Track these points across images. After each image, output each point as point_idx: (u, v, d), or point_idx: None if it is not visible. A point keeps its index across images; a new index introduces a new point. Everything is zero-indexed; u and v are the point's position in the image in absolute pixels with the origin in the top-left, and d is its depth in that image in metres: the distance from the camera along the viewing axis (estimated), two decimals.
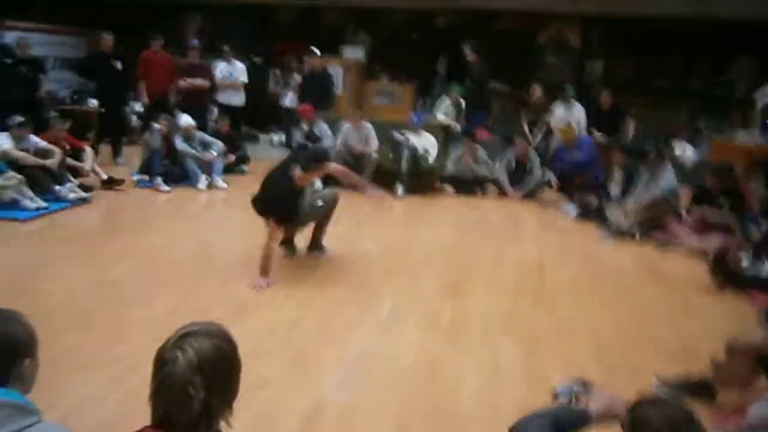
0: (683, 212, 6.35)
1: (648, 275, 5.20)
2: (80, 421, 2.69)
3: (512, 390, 3.18)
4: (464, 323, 3.99)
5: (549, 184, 7.71)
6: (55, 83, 11.53)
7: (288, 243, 5.09)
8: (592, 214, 6.78)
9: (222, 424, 1.51)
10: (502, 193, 7.90)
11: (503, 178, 7.90)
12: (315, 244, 5.14)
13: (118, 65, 8.48)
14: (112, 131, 8.74)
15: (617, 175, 6.87)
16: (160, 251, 5.21)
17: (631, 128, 8.85)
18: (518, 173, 7.91)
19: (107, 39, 8.44)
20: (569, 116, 8.87)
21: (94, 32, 8.75)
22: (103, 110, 8.71)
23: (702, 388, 3.13)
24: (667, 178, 6.19)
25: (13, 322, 1.61)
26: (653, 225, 6.14)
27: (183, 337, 1.49)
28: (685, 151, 9.10)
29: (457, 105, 9.19)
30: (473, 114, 8.85)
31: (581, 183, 7.43)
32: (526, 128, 9.23)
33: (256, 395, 3.00)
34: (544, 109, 9.25)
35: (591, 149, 7.67)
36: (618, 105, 9.08)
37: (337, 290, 4.49)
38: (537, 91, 9.31)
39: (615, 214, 6.43)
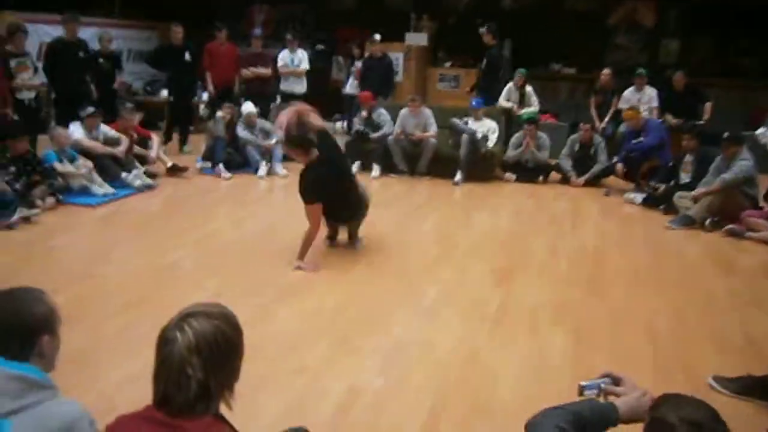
0: (761, 201, 5.94)
1: (715, 266, 4.90)
2: (121, 398, 2.77)
3: (555, 383, 3.05)
4: (511, 313, 3.88)
5: (614, 170, 7.37)
6: (129, 75, 12.03)
7: (331, 237, 5.07)
8: (659, 201, 6.45)
9: (221, 405, 1.50)
10: (565, 179, 7.64)
11: (566, 164, 7.63)
12: (352, 238, 5.09)
13: (187, 56, 8.70)
14: (180, 121, 9.00)
15: (688, 160, 6.50)
16: (216, 237, 5.34)
17: (708, 111, 8.37)
18: (582, 159, 7.62)
19: (176, 31, 8.68)
20: (639, 99, 8.49)
21: (165, 24, 8.99)
22: (171, 100, 8.95)
23: (765, 388, 2.92)
24: (742, 164, 5.78)
25: (32, 300, 1.65)
26: (725, 213, 5.78)
27: (184, 317, 1.49)
28: (766, 134, 8.49)
29: (520, 88, 8.93)
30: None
31: (649, 168, 7.09)
32: (593, 112, 8.91)
33: (293, 380, 3.02)
34: (613, 92, 8.89)
35: (660, 133, 7.27)
36: (694, 86, 8.59)
37: (385, 277, 4.46)
38: (605, 74, 8.95)
39: (684, 201, 6.10)
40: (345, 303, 3.96)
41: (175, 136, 8.91)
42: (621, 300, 4.14)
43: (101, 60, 8.33)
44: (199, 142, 8.47)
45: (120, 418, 1.51)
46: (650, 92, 8.61)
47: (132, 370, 3.04)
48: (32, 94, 7.02)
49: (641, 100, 8.51)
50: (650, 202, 6.55)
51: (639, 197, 6.74)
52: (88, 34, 9.17)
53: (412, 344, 3.44)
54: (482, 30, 8.81)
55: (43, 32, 9.88)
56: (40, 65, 7.51)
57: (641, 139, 7.24)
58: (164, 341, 1.46)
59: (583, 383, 1.86)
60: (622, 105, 8.51)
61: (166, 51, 9.00)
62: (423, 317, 3.81)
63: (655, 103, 8.52)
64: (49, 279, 4.22)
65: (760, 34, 9.95)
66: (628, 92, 8.67)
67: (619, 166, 7.31)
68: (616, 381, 1.86)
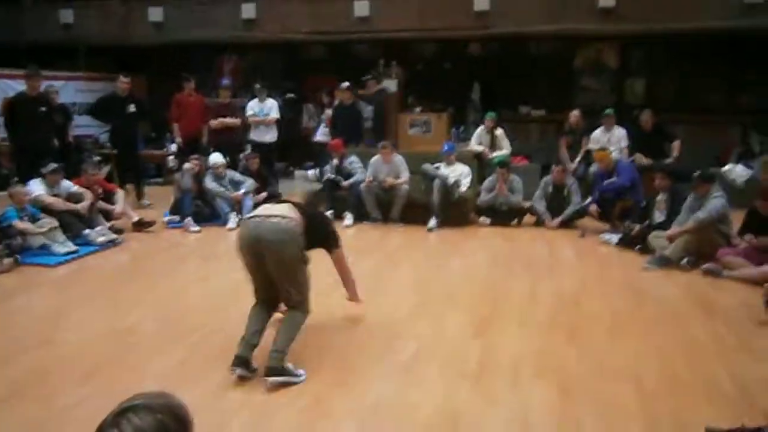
0: (735, 238, 5.91)
1: (697, 308, 4.80)
2: None
3: None
4: (492, 366, 3.71)
5: (588, 211, 7.34)
6: (96, 128, 11.86)
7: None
8: (635, 241, 6.40)
9: None
10: (540, 222, 7.58)
11: (540, 206, 7.58)
12: None
13: (131, 108, 8.49)
14: (131, 173, 8.74)
15: (661, 199, 6.49)
16: (179, 296, 5.11)
17: (677, 148, 8.45)
18: (556, 200, 7.59)
19: (123, 81, 8.50)
20: (608, 140, 8.56)
21: (132, 76, 8.86)
22: (116, 152, 8.71)
23: None
24: (715, 201, 5.77)
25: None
26: (701, 252, 5.73)
27: (123, 412, 1.31)
28: (736, 171, 8.59)
29: (491, 131, 8.96)
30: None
31: (622, 209, 7.06)
32: (564, 153, 8.96)
33: None
34: (582, 133, 8.96)
35: (631, 173, 7.29)
36: (662, 125, 8.70)
37: (359, 332, 4.28)
38: (574, 116, 9.04)
39: (659, 241, 6.05)
40: (317, 362, 3.75)
41: (132, 190, 8.65)
42: (603, 348, 4.00)
43: (54, 115, 8.16)
44: (166, 195, 8.28)
45: None
46: (619, 132, 8.69)
47: None
48: None
49: (610, 140, 8.58)
50: (625, 243, 6.50)
51: (614, 238, 6.68)
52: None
53: (390, 406, 3.24)
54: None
55: (7, 87, 9.73)
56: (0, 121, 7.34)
57: (613, 179, 7.24)
58: None
59: None
60: (592, 145, 8.58)
61: (109, 102, 8.75)
62: (401, 375, 3.61)
63: (624, 143, 8.60)
64: (3, 346, 3.99)
65: (722, 71, 10.19)
66: (598, 132, 8.75)
67: (593, 207, 7.28)
68: None
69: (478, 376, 3.58)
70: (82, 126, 10.85)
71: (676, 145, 8.46)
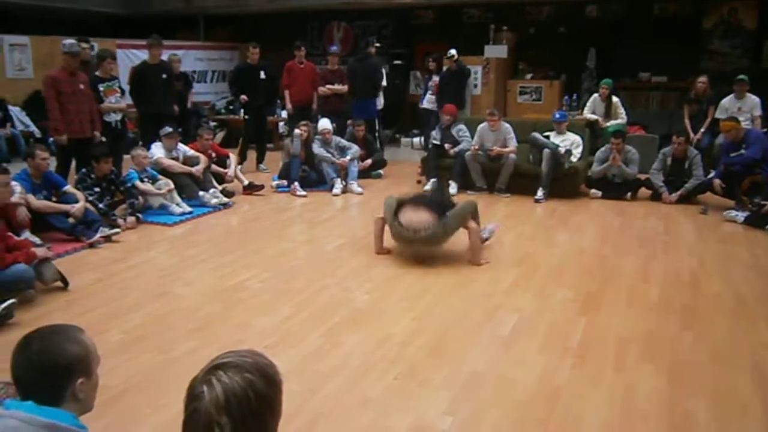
0: None
1: None
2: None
3: (646, 429, 2.73)
4: (597, 345, 3.54)
5: (711, 185, 6.80)
6: (213, 95, 12.42)
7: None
8: (765, 220, 5.87)
9: None
10: (656, 196, 7.12)
11: (657, 180, 7.11)
12: None
13: (262, 75, 8.81)
14: (256, 139, 9.10)
15: None
16: (287, 257, 5.27)
17: None
18: (675, 174, 7.08)
19: (253, 51, 8.82)
20: (739, 108, 7.86)
21: (246, 45, 9.15)
22: (247, 118, 9.06)
23: None
24: None
25: (66, 340, 1.54)
26: None
27: (213, 369, 1.32)
28: None
29: (606, 99, 8.49)
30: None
31: (751, 184, 6.48)
32: (687, 123, 8.35)
33: (354, 415, 2.85)
34: (709, 101, 8.28)
35: (763, 144, 6.63)
36: None
37: (460, 302, 4.22)
38: (701, 82, 8.37)
39: None
40: (415, 331, 3.75)
41: (252, 154, 9.00)
42: (723, 334, 3.71)
43: (176, 82, 8.57)
44: (276, 160, 8.54)
45: None
46: (752, 100, 7.95)
47: None
48: (119, 117, 7.26)
49: (742, 108, 7.88)
50: (754, 221, 5.98)
51: (741, 216, 6.16)
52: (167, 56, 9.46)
53: (487, 379, 3.18)
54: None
55: (135, 57, 10.36)
56: (127, 88, 7.81)
57: (742, 151, 6.64)
58: (191, 396, 1.29)
59: None
60: (720, 114, 7.91)
61: (243, 70, 9.14)
62: (500, 349, 3.53)
63: (758, 112, 7.87)
64: (127, 297, 4.31)
65: None
66: (727, 100, 8.05)
67: (717, 182, 6.73)
68: None
69: (581, 354, 3.43)
70: (201, 93, 11.38)
71: None
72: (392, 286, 4.48)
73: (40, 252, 4.26)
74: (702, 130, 8.20)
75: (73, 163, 6.60)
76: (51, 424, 1.43)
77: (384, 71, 9.71)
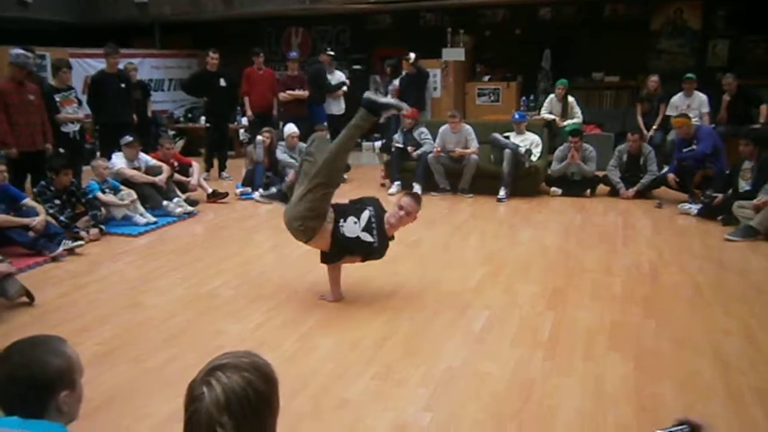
0: None
1: None
2: None
3: (618, 415, 2.85)
4: (566, 337, 3.66)
5: (666, 180, 7.05)
6: (171, 103, 12.27)
7: None
8: (717, 211, 6.13)
9: None
10: (614, 192, 7.35)
11: (614, 176, 7.34)
12: None
13: (222, 82, 8.76)
14: (219, 146, 9.05)
15: (747, 167, 6.16)
16: (255, 264, 5.27)
17: (764, 114, 8.00)
18: (631, 170, 7.32)
19: (212, 57, 8.75)
20: (689, 105, 8.17)
21: (205, 52, 9.08)
22: (209, 126, 9.00)
23: None
24: None
25: (48, 352, 1.53)
26: None
27: (211, 370, 1.35)
28: None
29: (562, 99, 8.72)
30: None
31: (702, 177, 6.76)
32: (640, 121, 8.64)
33: (334, 416, 2.88)
34: (660, 99, 8.59)
35: (712, 140, 6.92)
36: (746, 89, 8.23)
37: (429, 302, 4.29)
38: (653, 81, 8.67)
39: (744, 211, 5.76)
40: (388, 331, 3.80)
41: (214, 162, 8.94)
42: (683, 321, 3.87)
43: (134, 91, 8.47)
44: (238, 168, 8.50)
45: None
46: (700, 97, 8.28)
47: (174, 407, 2.95)
48: (76, 127, 7.13)
49: (691, 105, 8.20)
50: (707, 213, 6.24)
51: (694, 208, 6.42)
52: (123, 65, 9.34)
53: (462, 375, 3.26)
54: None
55: (88, 66, 10.17)
56: (83, 98, 7.68)
57: (693, 147, 6.92)
58: (191, 398, 1.33)
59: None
60: (671, 111, 8.21)
61: (202, 77, 9.07)
62: (472, 345, 3.62)
63: (706, 109, 8.21)
64: (96, 310, 4.25)
65: None
66: (677, 98, 8.37)
67: (671, 176, 6.99)
68: (696, 429, 1.65)
69: (551, 347, 3.54)
70: (158, 102, 11.21)
71: (763, 109, 8.01)
72: (361, 289, 4.51)
73: (3, 267, 4.17)
74: (654, 127, 8.49)
75: (29, 177, 6.46)
76: None
77: (343, 76, 9.78)
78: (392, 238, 4.25)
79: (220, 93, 8.79)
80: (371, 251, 4.11)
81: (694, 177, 6.83)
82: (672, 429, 1.60)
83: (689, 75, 8.38)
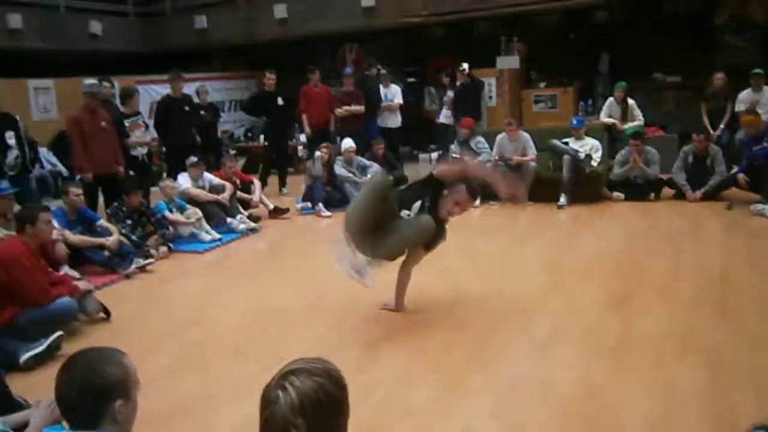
0: None
1: None
2: None
3: (690, 420, 2.76)
4: (633, 344, 3.57)
5: (736, 180, 6.79)
6: (231, 123, 12.65)
7: None
8: None
9: None
10: (680, 195, 7.12)
11: (680, 178, 7.11)
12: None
13: (280, 101, 8.99)
14: (277, 164, 9.25)
15: None
16: (319, 277, 5.33)
17: None
18: (698, 171, 7.08)
19: (269, 77, 9.01)
20: (758, 101, 7.85)
21: (262, 73, 9.36)
22: (266, 144, 9.22)
23: None
24: None
25: (105, 362, 1.60)
26: None
27: (285, 375, 1.41)
28: None
29: (621, 102, 8.53)
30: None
31: None
32: (705, 120, 8.34)
33: (401, 424, 2.90)
34: (727, 97, 8.28)
35: None
36: None
37: (493, 310, 4.26)
38: (719, 78, 8.38)
39: None
40: (452, 340, 3.80)
41: (274, 179, 9.14)
42: (759, 326, 3.72)
43: (202, 112, 8.78)
44: (298, 184, 8.67)
45: None
46: None
47: (242, 419, 3.04)
48: (144, 150, 7.45)
49: (760, 101, 7.87)
50: None
51: (767, 210, 6.15)
52: (192, 89, 9.74)
53: (527, 382, 3.23)
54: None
55: (153, 92, 10.64)
56: (150, 122, 8.02)
57: (764, 144, 6.64)
58: (266, 401, 1.38)
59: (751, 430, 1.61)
60: (739, 108, 7.91)
61: (260, 98, 9.34)
62: (536, 352, 3.58)
63: None
64: (166, 325, 4.41)
65: None
66: (745, 94, 8.06)
67: (741, 176, 6.72)
68: None
69: (617, 352, 3.47)
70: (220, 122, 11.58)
71: None
72: (423, 299, 4.51)
73: (82, 285, 4.39)
74: (722, 126, 8.20)
75: (101, 199, 6.78)
76: None
77: (399, 90, 9.87)
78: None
79: (278, 112, 9.02)
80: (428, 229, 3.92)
81: (766, 176, 6.54)
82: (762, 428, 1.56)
83: (757, 70, 8.06)
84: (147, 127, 7.67)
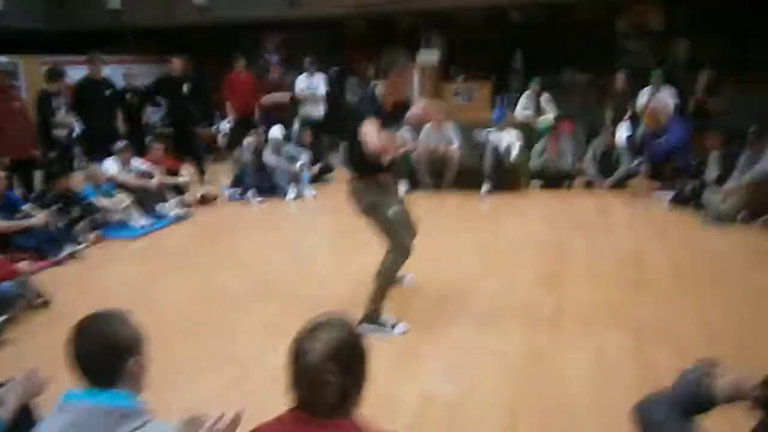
0: None
1: (756, 259, 4.97)
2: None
3: (621, 378, 3.13)
4: (566, 314, 3.95)
5: (639, 171, 7.46)
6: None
7: None
8: (688, 199, 6.52)
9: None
10: (590, 184, 7.72)
11: (591, 169, 7.71)
12: None
13: (185, 88, 8.63)
14: (188, 151, 8.82)
15: (714, 157, 6.57)
16: (258, 259, 5.43)
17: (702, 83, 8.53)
18: (606, 163, 7.71)
19: (175, 62, 8.69)
20: (656, 99, 8.59)
21: (177, 57, 9.06)
22: (173, 132, 8.95)
23: None
24: None
25: (115, 322, 1.70)
26: (757, 207, 5.84)
27: (310, 331, 1.58)
28: None
29: (535, 98, 9.08)
30: None
31: (673, 168, 7.17)
32: (607, 117, 9.02)
33: (366, 391, 3.08)
34: (629, 96, 9.01)
35: (681, 132, 7.36)
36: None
37: (432, 291, 4.49)
38: (620, 79, 9.09)
39: (714, 198, 6.16)
40: (399, 316, 3.99)
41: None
42: (671, 297, 4.20)
43: (127, 95, 8.50)
44: (219, 171, 8.62)
45: (260, 427, 1.59)
46: (666, 94, 8.70)
47: (209, 391, 3.13)
48: (65, 132, 7.17)
49: (658, 99, 8.60)
50: (679, 201, 6.62)
51: (667, 196, 6.81)
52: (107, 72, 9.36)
53: (476, 350, 3.51)
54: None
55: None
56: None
57: (664, 139, 7.33)
58: (299, 352, 1.54)
59: (682, 370, 1.92)
60: (639, 106, 8.63)
61: (165, 82, 8.91)
62: (481, 326, 3.87)
63: (672, 101, 8.61)
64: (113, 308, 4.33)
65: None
66: (645, 93, 8.78)
67: (644, 167, 7.39)
68: (713, 365, 1.91)
69: (555, 323, 3.82)
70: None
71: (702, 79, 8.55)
72: (363, 285, 4.69)
73: (23, 267, 4.26)
74: (626, 119, 8.90)
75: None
76: (110, 408, 1.57)
77: (323, 79, 9.96)
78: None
79: (180, 98, 8.62)
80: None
81: (665, 167, 7.23)
82: (693, 367, 1.87)
83: (657, 73, 8.80)
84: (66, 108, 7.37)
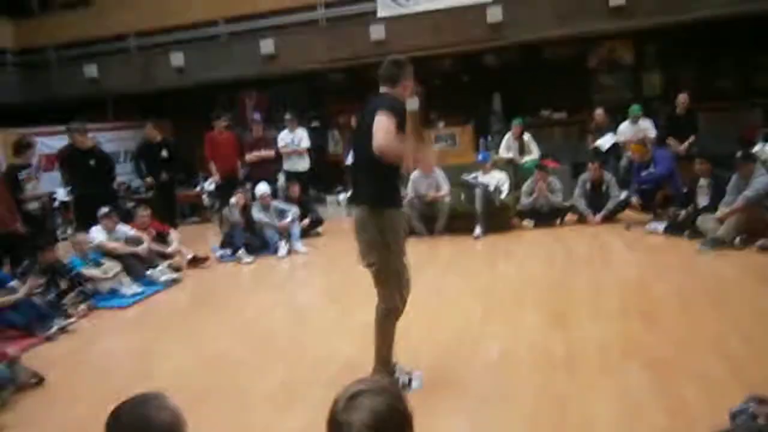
0: None
1: (761, 283, 4.93)
2: None
3: (651, 419, 3.02)
4: (579, 356, 3.85)
5: (629, 203, 7.50)
6: (127, 174, 12.18)
7: None
8: (682, 227, 6.53)
9: None
10: (582, 219, 7.73)
11: (581, 204, 7.74)
12: None
13: (164, 153, 8.69)
14: (166, 215, 8.61)
15: (704, 184, 6.62)
16: (257, 320, 5.29)
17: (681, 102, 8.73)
18: (595, 197, 7.74)
19: (150, 128, 8.78)
20: (637, 132, 8.73)
21: (151, 122, 9.06)
22: (152, 196, 8.92)
23: None
24: (762, 179, 5.95)
25: (154, 407, 1.59)
26: (752, 230, 5.86)
27: (352, 398, 1.47)
28: (765, 151, 8.71)
29: (519, 138, 9.16)
30: None
31: (663, 197, 7.21)
32: (592, 151, 9.13)
33: None
34: (608, 129, 9.14)
35: (669, 162, 7.45)
36: (692, 109, 8.89)
37: (439, 341, 4.37)
38: (599, 114, 9.24)
39: (708, 224, 6.18)
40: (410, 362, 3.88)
41: (187, 231, 8.87)
42: (683, 326, 4.14)
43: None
44: (204, 232, 8.50)
45: None
46: (645, 124, 8.86)
47: None
48: (38, 204, 7.01)
49: (638, 131, 8.75)
50: (673, 230, 6.64)
51: (660, 226, 6.83)
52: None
53: (493, 402, 3.38)
54: None
55: (42, 145, 10.05)
56: (41, 175, 7.56)
57: (651, 170, 7.39)
58: (338, 425, 1.43)
59: (733, 410, 1.85)
60: (620, 139, 8.75)
61: (144, 149, 8.99)
62: (494, 372, 3.75)
63: (652, 133, 8.76)
64: (107, 384, 4.16)
65: (736, 57, 10.33)
66: (624, 126, 8.94)
67: (634, 199, 7.44)
68: (763, 401, 1.84)
69: (568, 364, 3.71)
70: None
71: (681, 97, 8.80)
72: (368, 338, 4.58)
73: (10, 351, 4.08)
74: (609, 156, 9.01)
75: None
76: None
77: (305, 133, 9.98)
78: None
79: (161, 163, 8.68)
80: None
81: (655, 198, 7.27)
82: (743, 405, 1.80)
83: (635, 109, 8.94)
84: (38, 180, 7.24)
